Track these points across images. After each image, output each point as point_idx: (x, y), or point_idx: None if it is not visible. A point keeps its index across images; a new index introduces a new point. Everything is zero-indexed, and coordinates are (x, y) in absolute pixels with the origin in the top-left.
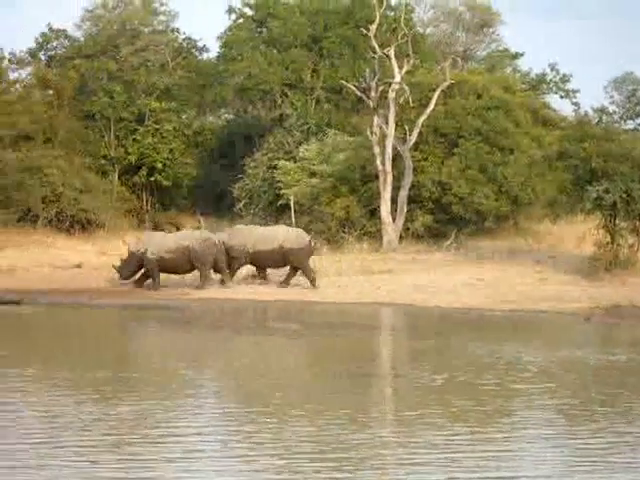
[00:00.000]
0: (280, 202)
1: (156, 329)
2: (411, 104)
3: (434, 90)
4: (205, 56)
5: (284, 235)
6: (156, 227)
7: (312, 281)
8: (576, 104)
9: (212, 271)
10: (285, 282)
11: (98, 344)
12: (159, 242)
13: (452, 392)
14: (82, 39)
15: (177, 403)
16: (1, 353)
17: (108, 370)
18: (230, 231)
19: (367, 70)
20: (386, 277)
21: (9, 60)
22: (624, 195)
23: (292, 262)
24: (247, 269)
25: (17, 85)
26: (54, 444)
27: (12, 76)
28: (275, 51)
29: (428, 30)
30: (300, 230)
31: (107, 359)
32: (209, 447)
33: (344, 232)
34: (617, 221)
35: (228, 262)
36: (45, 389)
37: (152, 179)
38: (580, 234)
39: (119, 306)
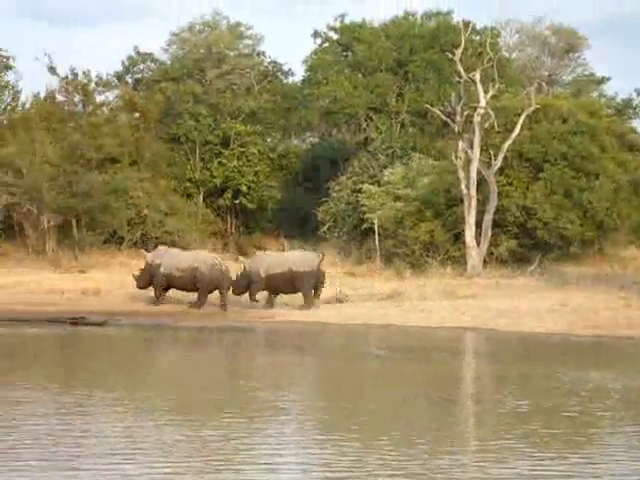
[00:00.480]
0: (364, 226)
1: (239, 352)
2: (496, 128)
3: (519, 114)
4: (290, 80)
5: (293, 259)
6: (240, 250)
7: (305, 305)
8: None
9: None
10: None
11: (180, 366)
12: (173, 259)
13: (536, 418)
14: (168, 62)
15: (260, 427)
16: (84, 375)
17: (191, 393)
18: (251, 257)
19: (452, 94)
20: (470, 302)
21: (96, 83)
22: None
23: (298, 285)
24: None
25: (104, 108)
26: (138, 466)
27: (99, 99)
28: (360, 75)
29: (514, 54)
30: (310, 253)
31: (190, 381)
32: (290, 473)
33: (428, 256)
34: None
35: (248, 286)
36: (127, 411)
37: (237, 202)
38: None
39: (202, 328)
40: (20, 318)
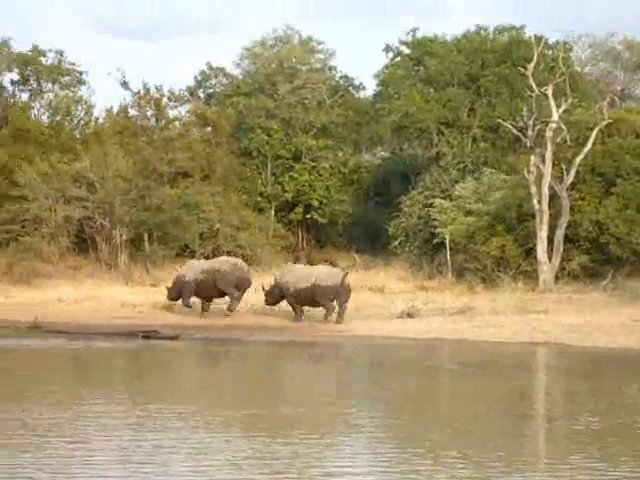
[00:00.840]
0: (435, 240)
1: (310, 366)
2: (568, 143)
3: (592, 129)
4: (362, 94)
5: (317, 273)
6: (311, 264)
7: (326, 318)
8: None
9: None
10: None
11: (252, 381)
12: (195, 267)
13: (610, 435)
14: (240, 77)
15: (330, 443)
16: (157, 389)
17: (263, 407)
18: (283, 270)
19: (524, 109)
20: (542, 317)
21: (169, 97)
22: None
23: (319, 298)
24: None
25: (176, 122)
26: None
27: (171, 113)
28: (432, 89)
29: (586, 69)
30: (334, 269)
31: (262, 396)
32: None
33: (499, 271)
34: None
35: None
36: (199, 426)
37: (308, 216)
38: None
39: (274, 342)
40: (93, 332)
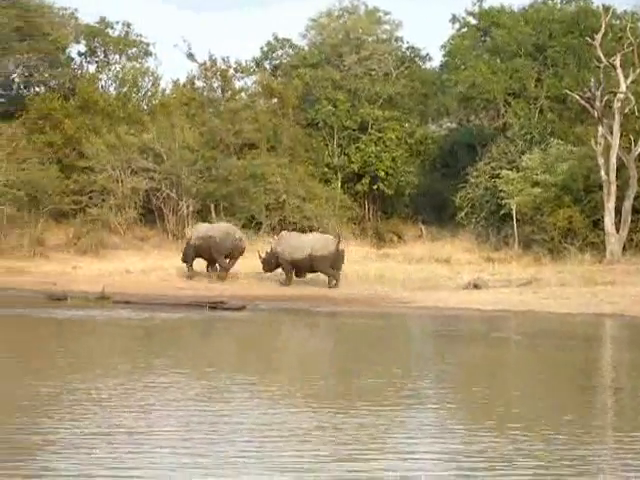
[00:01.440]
0: (502, 211)
1: (375, 337)
2: (637, 114)
3: None
4: (428, 65)
5: (312, 243)
6: (378, 235)
7: (331, 285)
8: None
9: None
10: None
11: (318, 352)
12: (196, 232)
13: None
14: (307, 48)
15: (397, 414)
16: (224, 360)
17: (330, 379)
18: (278, 238)
19: (592, 79)
20: (609, 288)
21: (235, 69)
22: None
23: (316, 267)
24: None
25: (242, 93)
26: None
27: (238, 85)
28: (499, 60)
29: None
30: (328, 237)
31: (329, 368)
32: (421, 462)
33: (566, 242)
34: None
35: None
36: (264, 397)
37: (374, 187)
38: None
39: (338, 313)
40: (160, 302)
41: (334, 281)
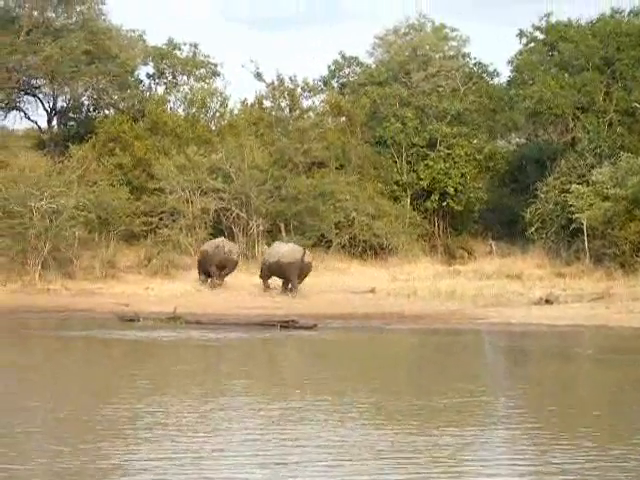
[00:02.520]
0: (573, 226)
1: (449, 354)
2: None
3: None
4: (496, 81)
5: (281, 251)
6: (448, 252)
7: (291, 291)
8: None
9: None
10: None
11: (390, 368)
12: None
13: None
14: (374, 66)
15: (474, 433)
16: (296, 380)
17: (403, 396)
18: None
19: None
20: None
21: (302, 88)
22: None
23: (283, 273)
24: None
25: (310, 112)
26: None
27: (305, 104)
28: (567, 74)
29: None
30: (295, 246)
31: (401, 385)
32: None
33: (638, 256)
34: None
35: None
36: (340, 417)
37: (444, 204)
38: None
39: (411, 330)
40: (231, 322)
41: (293, 288)
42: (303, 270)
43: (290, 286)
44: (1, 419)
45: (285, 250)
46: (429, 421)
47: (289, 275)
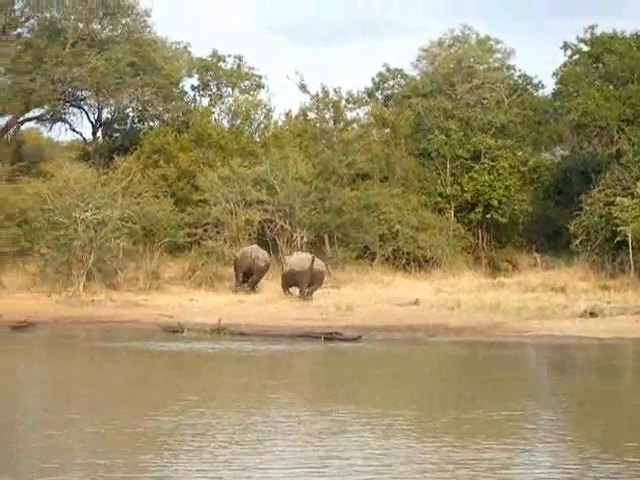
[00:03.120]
0: (617, 239)
1: (493, 366)
2: None
3: None
4: (540, 93)
5: (292, 260)
6: (492, 264)
7: (300, 296)
8: None
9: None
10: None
11: (434, 381)
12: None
13: None
14: (418, 78)
15: (522, 448)
16: (337, 392)
17: (455, 410)
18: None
19: None
20: None
21: (347, 100)
22: None
23: (296, 282)
24: None
25: (354, 124)
26: None
27: (349, 115)
28: (611, 86)
29: None
30: (304, 255)
31: (445, 398)
32: None
33: None
34: None
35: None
36: (383, 430)
37: (488, 216)
38: None
39: (457, 343)
40: (276, 334)
41: (303, 295)
42: (315, 277)
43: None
44: (43, 431)
45: (295, 260)
46: (473, 435)
47: (299, 283)
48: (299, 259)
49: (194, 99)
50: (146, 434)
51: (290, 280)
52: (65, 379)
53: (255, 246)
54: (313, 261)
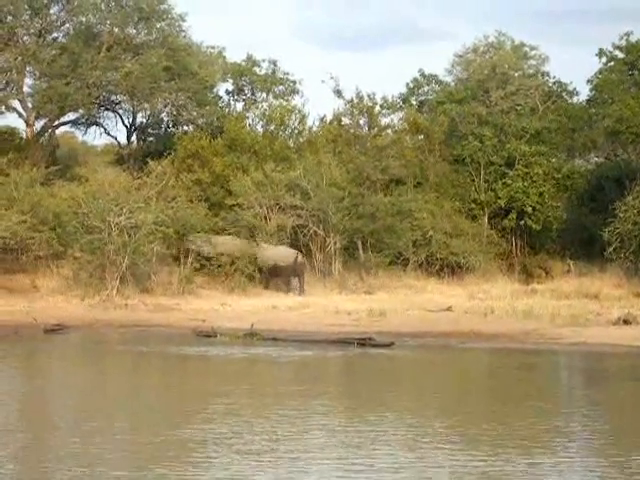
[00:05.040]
0: None
1: (526, 375)
2: None
3: None
4: (575, 99)
5: (275, 255)
6: (525, 271)
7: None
8: None
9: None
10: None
11: (474, 390)
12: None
13: None
14: (452, 84)
15: (550, 460)
16: (370, 399)
17: (487, 420)
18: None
19: None
20: None
21: (381, 105)
22: None
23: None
24: None
25: (389, 130)
26: None
27: (384, 121)
28: None
29: None
30: (287, 250)
31: (484, 407)
32: None
33: None
34: None
35: None
36: (416, 439)
37: (521, 223)
38: None
39: (490, 350)
40: (308, 339)
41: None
42: (298, 271)
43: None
44: (70, 440)
45: (278, 254)
46: (505, 446)
47: (282, 277)
48: (283, 255)
49: (228, 104)
50: (175, 444)
51: (273, 274)
52: (97, 384)
53: (284, 247)
54: (297, 256)
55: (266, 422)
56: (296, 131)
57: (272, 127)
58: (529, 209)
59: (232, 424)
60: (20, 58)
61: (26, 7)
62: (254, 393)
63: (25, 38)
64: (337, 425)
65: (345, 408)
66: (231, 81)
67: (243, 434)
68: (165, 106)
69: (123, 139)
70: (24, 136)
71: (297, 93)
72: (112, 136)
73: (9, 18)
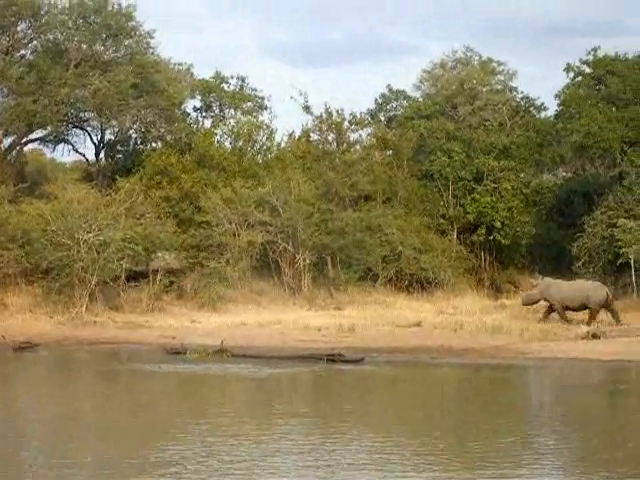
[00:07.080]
0: (620, 261)
1: (495, 391)
2: None
3: None
4: (543, 114)
5: None
6: (494, 286)
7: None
8: None
9: None
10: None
11: (446, 407)
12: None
13: None
14: (421, 99)
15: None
16: (337, 414)
17: (451, 436)
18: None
19: None
20: None
21: (350, 121)
22: None
23: None
24: None
25: (357, 146)
26: None
27: (352, 137)
28: (614, 108)
29: None
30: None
31: (458, 423)
32: None
33: None
34: None
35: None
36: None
37: (490, 238)
38: None
39: (458, 365)
40: (278, 356)
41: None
42: None
43: None
44: (45, 461)
45: None
46: (481, 462)
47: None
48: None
49: (197, 120)
50: (145, 465)
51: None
52: (67, 404)
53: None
54: None
55: (243, 442)
56: (264, 147)
57: (240, 143)
58: (498, 224)
59: (202, 445)
60: None
61: None
62: (224, 412)
63: None
64: (308, 447)
65: (318, 427)
66: (199, 98)
67: (212, 455)
68: (133, 123)
69: (91, 156)
70: None
71: (265, 109)
72: (80, 153)
73: None
